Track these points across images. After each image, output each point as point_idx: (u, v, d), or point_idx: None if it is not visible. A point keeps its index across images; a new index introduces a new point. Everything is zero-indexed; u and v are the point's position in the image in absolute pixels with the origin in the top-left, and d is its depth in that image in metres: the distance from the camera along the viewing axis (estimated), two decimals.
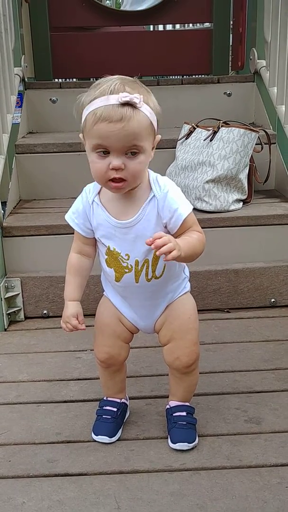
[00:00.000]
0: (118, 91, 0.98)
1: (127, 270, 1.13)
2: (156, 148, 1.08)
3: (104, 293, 1.24)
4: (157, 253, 0.99)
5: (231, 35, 3.07)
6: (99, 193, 1.13)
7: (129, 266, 1.13)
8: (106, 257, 1.15)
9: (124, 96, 0.96)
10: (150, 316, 1.20)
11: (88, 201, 1.13)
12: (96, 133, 0.99)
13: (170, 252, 0.98)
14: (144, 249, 1.11)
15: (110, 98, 0.97)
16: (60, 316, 1.83)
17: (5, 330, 1.83)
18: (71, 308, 1.19)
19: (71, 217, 1.16)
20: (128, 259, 1.12)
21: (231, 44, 3.08)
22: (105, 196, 1.12)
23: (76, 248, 1.19)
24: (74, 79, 3.41)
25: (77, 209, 1.15)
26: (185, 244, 1.04)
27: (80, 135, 1.07)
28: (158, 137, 1.07)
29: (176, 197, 1.09)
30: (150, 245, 0.99)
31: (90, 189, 1.14)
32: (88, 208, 1.13)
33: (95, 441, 1.23)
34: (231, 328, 1.79)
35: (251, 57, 2.62)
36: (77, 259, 1.19)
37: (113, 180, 1.02)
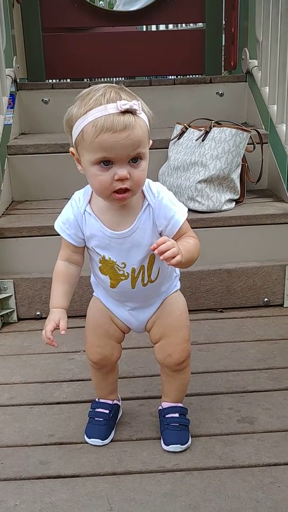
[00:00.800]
0: (115, 99, 0.94)
1: (123, 278, 1.12)
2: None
3: (94, 294, 1.23)
4: (161, 258, 0.97)
5: (223, 35, 3.07)
6: (89, 201, 1.10)
7: (126, 274, 1.11)
8: (100, 265, 1.13)
9: (124, 104, 0.93)
10: (143, 316, 1.20)
11: (79, 211, 1.10)
12: (99, 146, 0.95)
13: (173, 257, 0.98)
14: (140, 257, 1.10)
15: (108, 107, 0.94)
16: None
17: None
18: (55, 313, 1.12)
19: (62, 227, 1.12)
20: (124, 267, 1.11)
21: (223, 44, 3.09)
22: (96, 205, 1.09)
23: (64, 256, 1.16)
24: (68, 80, 3.40)
25: (68, 219, 1.11)
26: (184, 250, 1.03)
27: (72, 149, 1.04)
28: (150, 142, 1.05)
29: (171, 204, 1.08)
30: (153, 250, 0.98)
31: (80, 198, 1.11)
32: (80, 218, 1.10)
33: (87, 442, 1.23)
34: (225, 328, 1.79)
35: (243, 57, 2.62)
36: (65, 266, 1.16)
37: (118, 191, 1.00)
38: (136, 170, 0.99)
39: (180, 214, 1.08)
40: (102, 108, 0.94)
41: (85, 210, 1.09)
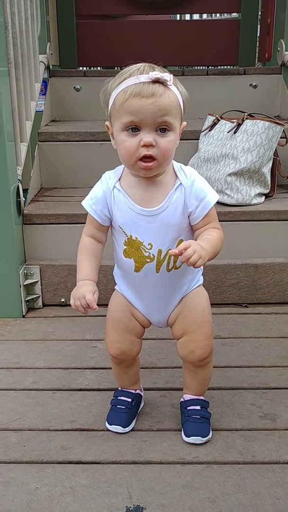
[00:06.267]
0: (147, 71, 0.99)
1: (148, 260, 1.11)
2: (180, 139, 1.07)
3: (116, 287, 1.22)
4: (187, 263, 0.98)
5: (259, 26, 3.02)
6: (119, 179, 1.11)
7: (151, 256, 1.11)
8: (124, 247, 1.12)
9: (155, 74, 0.98)
10: (164, 310, 1.19)
11: (108, 187, 1.11)
12: (127, 109, 0.99)
13: (194, 263, 0.98)
14: (168, 238, 1.09)
15: (140, 77, 0.98)
16: None
17: (23, 316, 1.85)
18: (89, 284, 1.10)
19: (89, 203, 1.13)
20: (151, 249, 1.10)
21: (258, 35, 3.04)
22: (126, 182, 1.10)
23: (88, 233, 1.16)
24: (99, 68, 3.40)
25: (96, 195, 1.12)
26: (209, 245, 1.03)
27: (107, 123, 1.07)
28: (184, 123, 1.06)
29: (203, 186, 1.09)
30: (177, 255, 0.98)
31: (111, 175, 1.12)
32: (108, 195, 1.11)
33: (109, 430, 1.24)
34: (249, 323, 1.78)
35: (278, 49, 2.58)
36: (91, 242, 1.16)
37: (143, 160, 1.01)
38: (163, 139, 1.01)
39: (211, 196, 1.09)
40: (135, 78, 0.99)
41: (114, 186, 1.10)
